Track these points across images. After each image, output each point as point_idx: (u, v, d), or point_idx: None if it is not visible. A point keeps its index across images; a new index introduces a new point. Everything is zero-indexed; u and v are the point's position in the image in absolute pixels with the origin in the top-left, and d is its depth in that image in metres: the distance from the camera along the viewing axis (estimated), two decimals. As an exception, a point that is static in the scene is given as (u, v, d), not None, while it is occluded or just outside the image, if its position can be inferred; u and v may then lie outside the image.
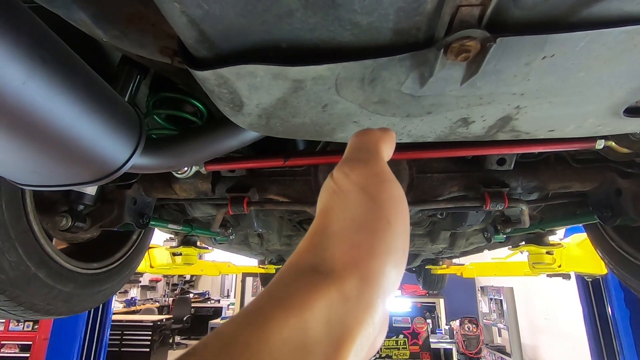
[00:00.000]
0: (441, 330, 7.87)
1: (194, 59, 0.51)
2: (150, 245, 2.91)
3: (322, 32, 0.42)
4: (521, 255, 2.34)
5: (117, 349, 7.94)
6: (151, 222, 1.29)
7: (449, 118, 0.62)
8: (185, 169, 1.04)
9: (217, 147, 0.88)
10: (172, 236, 2.05)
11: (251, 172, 1.20)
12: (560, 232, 2.91)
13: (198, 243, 2.01)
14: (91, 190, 1.08)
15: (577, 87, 0.52)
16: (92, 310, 3.44)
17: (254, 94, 0.55)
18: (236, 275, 9.10)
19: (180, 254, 1.94)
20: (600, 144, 0.90)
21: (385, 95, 0.54)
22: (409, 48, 0.44)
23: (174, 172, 1.05)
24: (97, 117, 0.57)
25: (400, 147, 1.00)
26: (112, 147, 0.64)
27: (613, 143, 0.91)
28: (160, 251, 2.63)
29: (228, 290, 14.08)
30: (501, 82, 0.50)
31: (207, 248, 2.06)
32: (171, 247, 1.94)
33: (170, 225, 1.43)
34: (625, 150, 0.93)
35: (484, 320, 8.11)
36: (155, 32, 0.64)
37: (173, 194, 1.21)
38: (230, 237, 1.76)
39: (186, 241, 1.92)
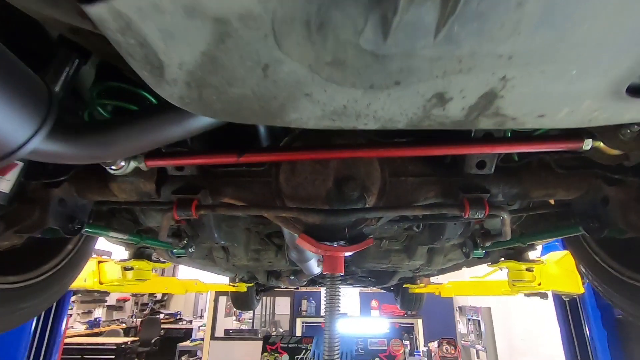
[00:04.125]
0: (419, 352, 7.69)
1: (83, -11, 0.38)
2: (101, 259, 2.68)
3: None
4: (499, 274, 2.27)
5: (75, 375, 7.34)
6: (87, 229, 1.11)
7: (421, 93, 0.51)
8: (122, 163, 0.89)
9: (155, 135, 0.73)
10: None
11: (204, 171, 1.05)
12: (538, 249, 2.87)
13: (154, 256, 1.81)
14: (5, 187, 0.90)
15: (577, 49, 0.42)
16: (39, 331, 3.10)
17: (171, 47, 0.42)
18: (209, 293, 8.67)
19: (132, 269, 1.73)
20: (587, 144, 0.82)
21: (340, 52, 0.42)
22: (365, -29, 0.32)
23: (109, 168, 0.90)
24: None
25: (371, 144, 0.89)
26: (2, 123, 0.50)
27: (601, 144, 0.83)
28: (111, 265, 2.39)
29: (202, 310, 13.43)
30: (485, 35, 0.39)
31: (164, 262, 1.86)
32: (121, 260, 1.73)
33: (111, 234, 1.24)
34: (614, 152, 0.85)
35: (462, 342, 8.01)
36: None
37: (111, 195, 1.04)
38: (189, 249, 1.58)
39: (139, 254, 1.71)
